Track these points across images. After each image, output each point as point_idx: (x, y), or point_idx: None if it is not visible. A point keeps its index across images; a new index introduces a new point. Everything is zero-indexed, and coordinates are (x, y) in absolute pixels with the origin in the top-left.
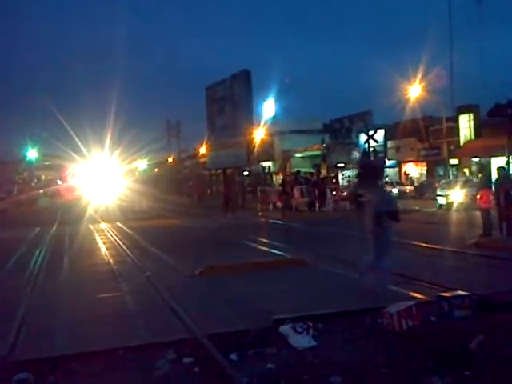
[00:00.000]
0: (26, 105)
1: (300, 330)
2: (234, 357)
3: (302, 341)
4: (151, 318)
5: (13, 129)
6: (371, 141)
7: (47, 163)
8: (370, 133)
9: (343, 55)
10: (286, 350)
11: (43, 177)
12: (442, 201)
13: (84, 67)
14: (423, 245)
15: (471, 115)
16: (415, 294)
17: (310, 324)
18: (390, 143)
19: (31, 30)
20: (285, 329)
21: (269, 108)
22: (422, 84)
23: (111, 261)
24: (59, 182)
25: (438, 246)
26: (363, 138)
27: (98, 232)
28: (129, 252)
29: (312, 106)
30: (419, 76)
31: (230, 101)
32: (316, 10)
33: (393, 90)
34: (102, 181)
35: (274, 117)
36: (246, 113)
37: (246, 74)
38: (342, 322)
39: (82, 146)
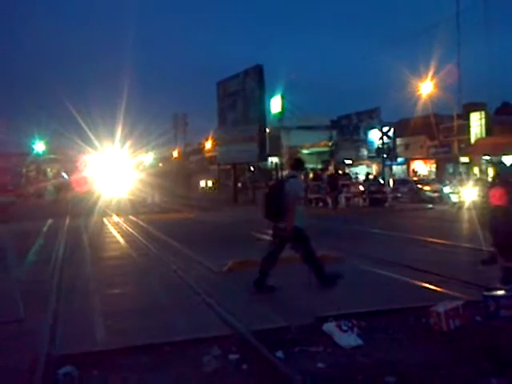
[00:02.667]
0: (34, 97)
1: (345, 328)
2: (280, 354)
3: (347, 339)
4: (188, 313)
5: (19, 121)
6: (384, 138)
7: (52, 156)
8: (385, 129)
9: (351, 52)
10: (332, 348)
11: (48, 170)
12: (454, 199)
13: (95, 60)
14: (447, 243)
15: (482, 113)
16: (453, 293)
17: (355, 322)
18: (398, 141)
19: (42, 21)
20: (329, 327)
21: (276, 104)
22: (433, 81)
23: (133, 254)
24: (65, 175)
25: (464, 244)
26: (372, 134)
27: (114, 226)
28: (149, 245)
29: (319, 102)
30: (430, 73)
31: (242, 96)
32: (327, 6)
33: (400, 88)
34: (113, 173)
35: (281, 113)
36: (259, 108)
37: (258, 69)
38: (384, 321)
39: (93, 138)
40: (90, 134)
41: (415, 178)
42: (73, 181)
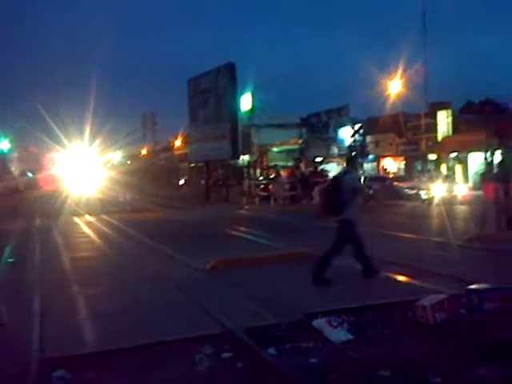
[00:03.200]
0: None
1: (335, 323)
2: (272, 351)
3: (338, 335)
4: (176, 312)
5: None
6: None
7: (17, 154)
8: (356, 127)
9: (321, 51)
10: (323, 343)
11: (13, 168)
12: (424, 195)
13: (63, 58)
14: (422, 238)
15: (449, 112)
16: (434, 287)
17: (345, 318)
18: (368, 138)
19: (8, 16)
20: (319, 323)
21: (246, 102)
22: (401, 80)
23: (111, 254)
24: (30, 174)
25: (438, 239)
26: (342, 132)
27: (87, 225)
28: (126, 245)
29: (289, 100)
30: (398, 72)
31: (214, 93)
32: (294, 3)
33: (369, 86)
34: (81, 172)
35: (251, 110)
36: (231, 105)
37: (230, 66)
38: (372, 316)
39: (60, 136)
40: (57, 131)
41: (391, 175)
42: (40, 179)
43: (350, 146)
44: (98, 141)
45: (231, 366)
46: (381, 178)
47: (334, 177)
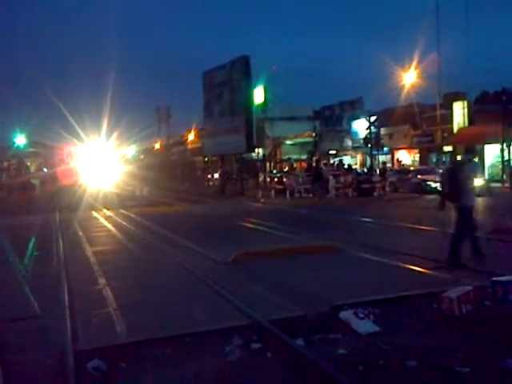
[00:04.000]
0: (16, 90)
1: (362, 315)
2: (300, 342)
3: (365, 326)
4: (203, 304)
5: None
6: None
7: (33, 150)
8: (372, 119)
9: (334, 43)
10: (350, 335)
11: (29, 163)
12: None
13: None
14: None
15: (465, 103)
16: (456, 279)
17: (372, 309)
18: (382, 130)
19: (26, 13)
20: (346, 314)
21: (259, 95)
22: (416, 71)
23: (132, 247)
24: (45, 169)
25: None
26: (356, 124)
27: (106, 219)
28: (146, 238)
29: (303, 92)
30: (413, 63)
31: (228, 86)
32: None
33: (383, 78)
34: (99, 166)
35: (264, 103)
36: (245, 98)
37: (244, 59)
38: (396, 307)
39: (78, 130)
40: (74, 126)
41: (412, 168)
42: (59, 173)
43: (365, 138)
44: (114, 135)
45: (261, 356)
46: (404, 171)
47: (455, 164)
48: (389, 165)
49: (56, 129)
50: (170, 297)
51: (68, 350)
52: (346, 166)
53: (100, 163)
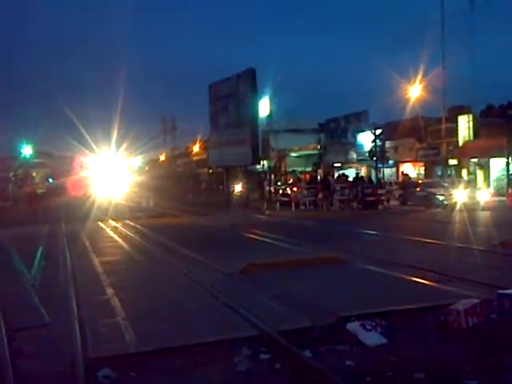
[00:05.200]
0: (22, 100)
1: (369, 327)
2: (308, 353)
3: (372, 338)
4: (210, 315)
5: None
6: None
7: (38, 160)
8: (377, 132)
9: (339, 55)
10: (357, 347)
11: (34, 174)
12: (446, 200)
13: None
14: (445, 243)
15: (470, 116)
16: (462, 292)
17: (379, 321)
18: (386, 143)
19: (32, 24)
20: (353, 326)
21: (264, 107)
22: (421, 84)
23: (139, 258)
24: (50, 180)
25: (463, 245)
26: (361, 137)
27: (114, 232)
28: (153, 249)
29: (307, 105)
30: (418, 77)
31: (234, 98)
32: (314, 9)
33: (388, 91)
34: (106, 177)
35: (269, 115)
36: (251, 110)
37: (251, 72)
38: (403, 320)
39: (85, 140)
40: (85, 135)
41: (420, 181)
42: (68, 183)
43: (370, 151)
44: (122, 146)
45: (270, 367)
46: (411, 184)
47: None
48: (393, 178)
49: (61, 139)
50: (177, 307)
51: (78, 358)
52: (350, 178)
53: (108, 174)
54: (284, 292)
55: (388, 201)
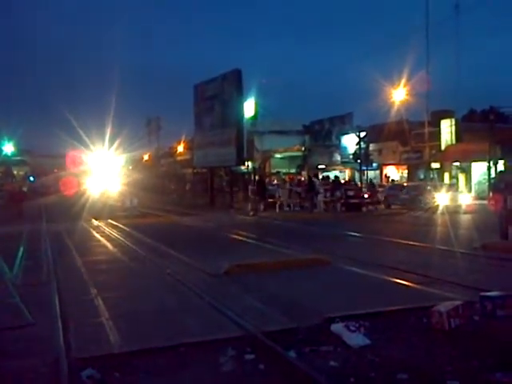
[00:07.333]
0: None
1: (353, 328)
2: (292, 354)
3: (356, 339)
4: (195, 315)
5: None
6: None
7: (19, 158)
8: (362, 135)
9: (325, 58)
10: (341, 348)
11: (15, 172)
12: (428, 203)
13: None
14: (427, 245)
15: (452, 120)
16: (444, 294)
17: (363, 322)
18: (371, 146)
19: (23, 19)
20: (337, 327)
21: (249, 108)
22: (405, 88)
23: (123, 258)
24: (31, 178)
25: (445, 247)
26: (345, 140)
27: (97, 231)
28: (137, 249)
29: (292, 107)
30: (402, 80)
31: (219, 99)
32: (300, 11)
33: (373, 94)
34: (91, 177)
35: (254, 117)
36: (236, 111)
37: (236, 73)
38: (387, 321)
39: (73, 138)
40: (80, 132)
41: (405, 184)
42: (62, 180)
43: (354, 154)
44: (105, 146)
45: (254, 367)
46: (398, 187)
47: None
48: (376, 180)
49: (44, 137)
50: (162, 307)
51: (62, 358)
52: (331, 180)
53: (92, 174)
54: (269, 293)
55: (379, 203)
